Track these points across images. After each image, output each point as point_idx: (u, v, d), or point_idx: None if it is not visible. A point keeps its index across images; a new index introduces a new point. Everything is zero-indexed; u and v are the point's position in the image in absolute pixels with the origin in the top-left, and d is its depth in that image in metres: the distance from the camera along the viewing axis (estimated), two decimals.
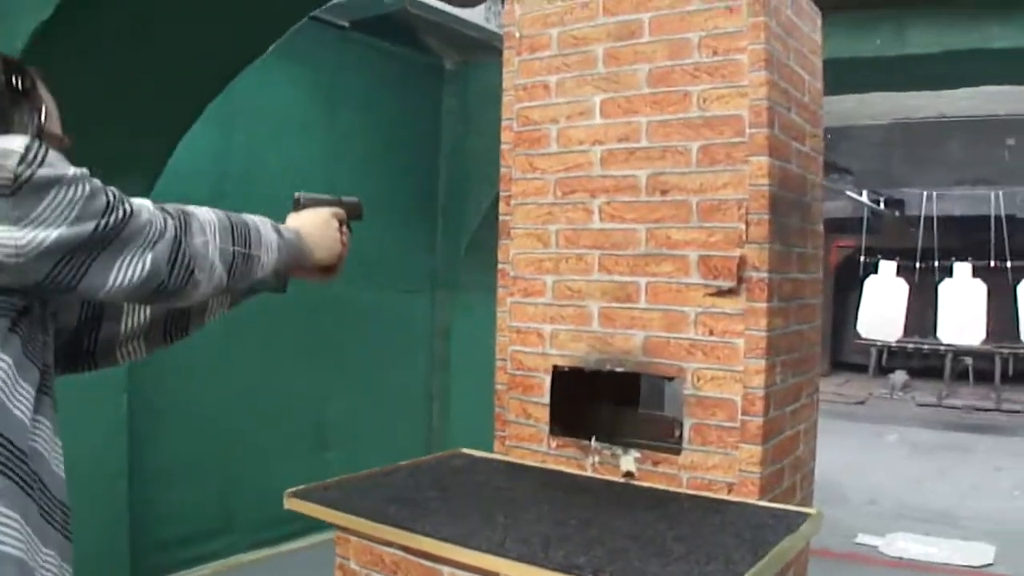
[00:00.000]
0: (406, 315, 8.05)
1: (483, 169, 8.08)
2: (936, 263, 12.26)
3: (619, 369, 3.17)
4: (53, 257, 1.45)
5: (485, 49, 5.84)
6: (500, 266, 3.48)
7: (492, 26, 5.00)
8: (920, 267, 12.36)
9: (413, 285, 8.04)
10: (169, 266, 1.60)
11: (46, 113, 1.73)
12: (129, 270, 1.54)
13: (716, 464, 2.97)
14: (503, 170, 3.48)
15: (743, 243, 2.90)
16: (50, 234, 1.43)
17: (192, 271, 1.65)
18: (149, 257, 1.55)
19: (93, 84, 4.25)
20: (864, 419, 13.85)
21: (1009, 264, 11.88)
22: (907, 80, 7.60)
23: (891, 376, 16.52)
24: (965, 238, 13.01)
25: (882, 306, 12.51)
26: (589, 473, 3.20)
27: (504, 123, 3.49)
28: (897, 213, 12.86)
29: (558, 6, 3.35)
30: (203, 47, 4.79)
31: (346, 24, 7.15)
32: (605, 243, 3.20)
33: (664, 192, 3.07)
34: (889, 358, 17.23)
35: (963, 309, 12.07)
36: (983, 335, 12.33)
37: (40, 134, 1.65)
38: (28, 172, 1.41)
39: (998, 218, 11.70)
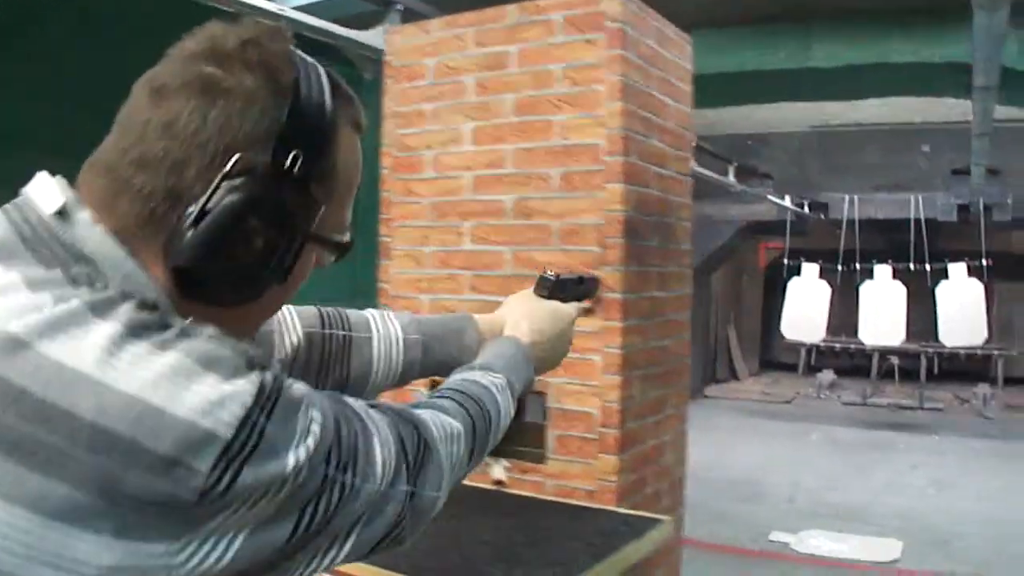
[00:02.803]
0: None
1: None
2: (858, 265, 12.47)
3: None
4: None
5: None
6: (380, 285, 3.63)
7: None
8: (842, 269, 12.58)
9: (334, 294, 8.08)
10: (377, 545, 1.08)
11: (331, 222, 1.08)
12: (322, 558, 1.01)
13: (578, 473, 3.13)
14: (383, 194, 3.63)
15: (600, 266, 3.07)
16: (226, 550, 0.86)
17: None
18: (350, 544, 1.01)
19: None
20: (789, 418, 14.05)
21: (928, 266, 12.14)
22: (813, 91, 7.81)
23: (818, 375, 16.81)
24: (887, 241, 13.26)
25: (805, 307, 12.73)
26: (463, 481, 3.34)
27: (384, 149, 3.64)
28: (822, 216, 13.08)
29: (434, 37, 3.50)
30: (129, 74, 4.84)
31: None
32: (475, 264, 3.36)
33: (528, 216, 3.23)
34: (818, 357, 17.47)
35: (883, 310, 12.33)
36: (903, 336, 12.59)
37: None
38: (228, 476, 0.82)
39: (918, 221, 11.97)
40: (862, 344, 14.17)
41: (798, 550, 7.35)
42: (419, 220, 3.51)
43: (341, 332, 1.44)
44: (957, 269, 12.12)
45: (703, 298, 15.92)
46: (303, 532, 0.92)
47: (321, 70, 1.05)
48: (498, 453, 3.32)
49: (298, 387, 0.92)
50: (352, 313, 1.48)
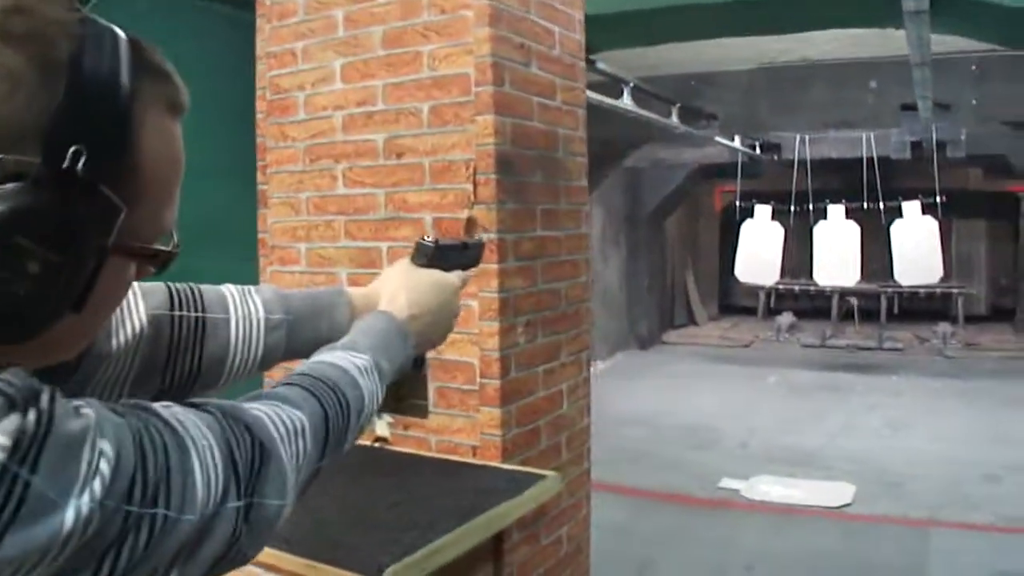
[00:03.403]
0: (246, 280, 7.92)
1: None
2: (811, 206, 12.32)
3: None
4: None
5: None
6: (260, 235, 3.44)
7: None
8: (796, 210, 12.41)
9: (247, 252, 7.92)
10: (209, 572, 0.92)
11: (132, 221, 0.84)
12: None
13: (461, 427, 2.95)
14: (258, 140, 3.45)
15: (471, 204, 2.87)
16: None
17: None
18: None
19: None
20: (747, 362, 13.99)
21: (882, 205, 11.99)
22: (750, 25, 7.60)
23: (777, 318, 16.71)
24: (840, 180, 13.11)
25: (759, 250, 12.59)
26: None
27: (258, 92, 3.45)
28: (775, 157, 12.90)
29: None
30: None
31: None
32: (349, 209, 3.16)
33: (399, 155, 3.03)
34: (777, 300, 17.34)
35: (837, 251, 12.21)
36: (858, 276, 12.48)
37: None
38: None
39: (871, 160, 11.81)
40: (820, 286, 14.04)
41: (748, 497, 7.24)
42: (294, 165, 3.30)
43: (193, 314, 1.24)
44: (911, 207, 12.00)
45: (658, 243, 15.79)
46: None
47: (120, 40, 0.83)
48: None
49: (80, 416, 0.72)
50: (207, 290, 1.28)
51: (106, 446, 0.72)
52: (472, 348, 2.89)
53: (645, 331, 15.04)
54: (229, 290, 1.30)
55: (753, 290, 16.37)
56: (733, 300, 18.97)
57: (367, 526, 2.31)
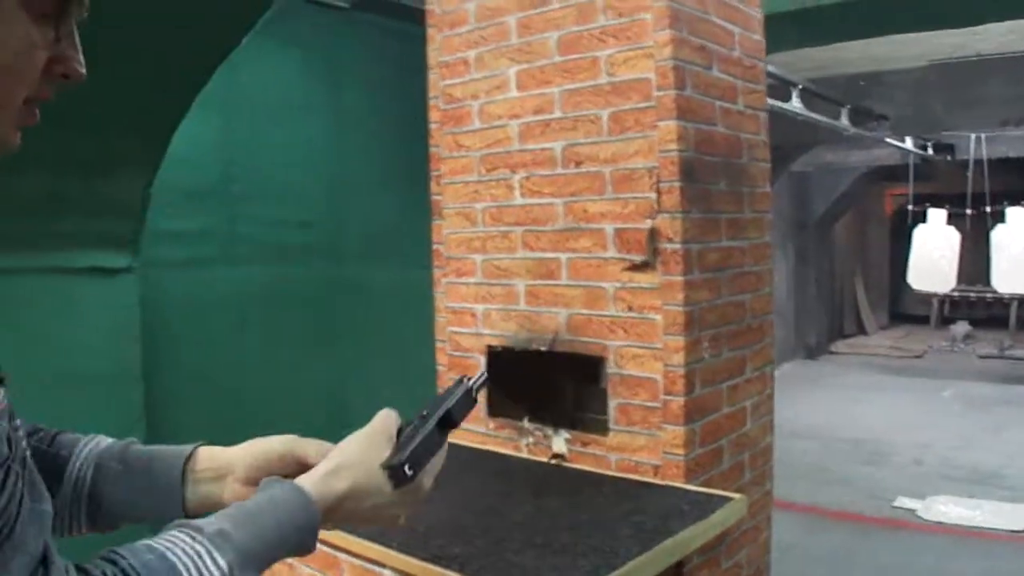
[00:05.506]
0: (418, 291, 8.03)
1: None
2: (988, 208, 11.78)
3: (543, 348, 3.05)
4: None
5: None
6: (434, 246, 3.41)
7: None
8: (972, 213, 11.90)
9: (422, 261, 8.00)
10: None
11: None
12: None
13: (642, 445, 2.84)
14: (432, 149, 3.41)
15: (655, 213, 2.76)
16: None
17: None
18: None
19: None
20: (920, 374, 13.46)
21: None
22: (926, 20, 7.29)
23: (952, 327, 16.07)
24: (1019, 181, 12.51)
25: (933, 256, 12.08)
26: (524, 455, 3.10)
27: (431, 102, 3.41)
28: (948, 158, 12.41)
29: None
30: (183, 37, 4.71)
31: (346, 5, 7.04)
32: (526, 219, 3.09)
33: (578, 164, 2.95)
34: (951, 308, 16.77)
35: (1017, 255, 11.61)
36: None
37: None
38: None
39: None
40: (999, 293, 13.42)
41: (925, 517, 6.91)
42: (468, 175, 3.26)
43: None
44: None
45: (827, 249, 15.37)
46: None
47: None
48: (559, 423, 3.05)
49: None
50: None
51: None
52: (656, 364, 2.78)
53: (813, 340, 14.66)
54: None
55: (925, 298, 15.81)
56: (904, 308, 18.33)
57: (544, 549, 2.23)
